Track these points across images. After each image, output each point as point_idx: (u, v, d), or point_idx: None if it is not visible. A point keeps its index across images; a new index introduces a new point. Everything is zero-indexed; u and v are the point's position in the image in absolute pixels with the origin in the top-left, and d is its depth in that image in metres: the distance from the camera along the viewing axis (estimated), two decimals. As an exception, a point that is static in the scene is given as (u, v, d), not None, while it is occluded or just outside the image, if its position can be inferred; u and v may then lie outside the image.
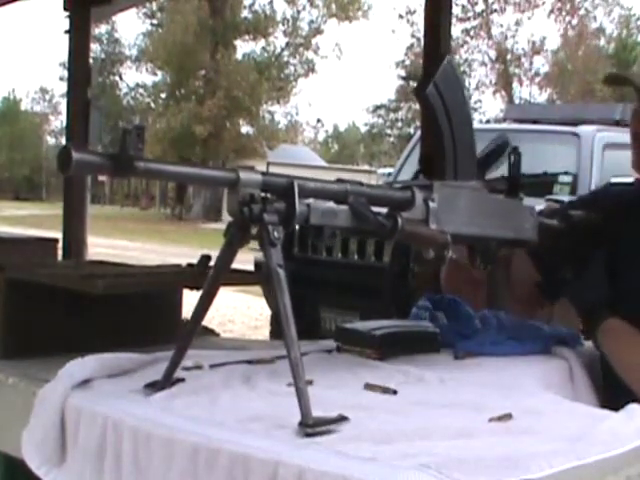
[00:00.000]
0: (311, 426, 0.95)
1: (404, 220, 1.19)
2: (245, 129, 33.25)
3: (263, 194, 1.04)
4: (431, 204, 1.26)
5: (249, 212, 1.02)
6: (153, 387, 1.14)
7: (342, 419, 0.97)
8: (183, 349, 1.16)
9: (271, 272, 1.01)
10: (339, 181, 1.16)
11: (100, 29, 36.80)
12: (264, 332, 6.77)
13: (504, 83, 33.27)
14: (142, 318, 1.62)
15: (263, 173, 1.05)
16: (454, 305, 1.64)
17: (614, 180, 3.58)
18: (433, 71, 1.41)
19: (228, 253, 1.10)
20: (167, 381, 1.15)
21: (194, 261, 1.60)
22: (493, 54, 33.23)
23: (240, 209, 1.02)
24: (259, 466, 0.89)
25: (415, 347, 1.48)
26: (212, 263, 1.44)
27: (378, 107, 44.81)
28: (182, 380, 1.17)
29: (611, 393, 1.50)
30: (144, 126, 0.98)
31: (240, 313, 8.73)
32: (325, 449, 0.90)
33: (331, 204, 1.14)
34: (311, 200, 1.11)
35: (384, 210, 1.21)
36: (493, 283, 1.51)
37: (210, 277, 1.13)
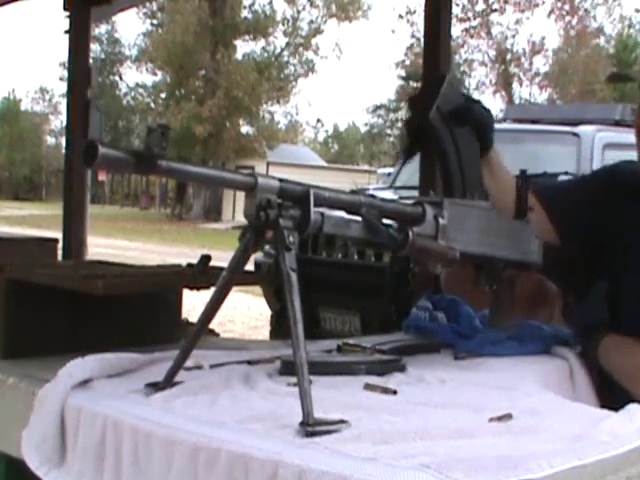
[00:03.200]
0: (312, 426, 0.95)
1: (415, 234, 1.21)
2: (245, 129, 33.25)
3: (279, 200, 1.06)
4: (441, 221, 1.27)
5: (265, 216, 1.04)
6: (153, 387, 1.14)
7: (342, 422, 0.97)
8: (188, 351, 1.16)
9: (284, 275, 1.03)
10: (353, 192, 1.18)
11: (100, 29, 36.89)
12: (264, 332, 6.77)
13: (504, 83, 33.22)
14: (142, 318, 1.62)
15: (280, 180, 1.07)
16: (454, 305, 1.64)
17: None
18: (434, 93, 1.41)
19: (242, 257, 1.11)
20: (168, 382, 1.15)
21: (194, 261, 1.60)
22: (493, 54, 33.20)
23: (257, 213, 1.04)
24: (259, 466, 0.89)
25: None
26: (212, 263, 1.44)
27: (378, 107, 44.90)
28: (182, 380, 1.17)
29: (609, 394, 1.50)
30: (168, 125, 0.98)
31: (240, 313, 8.72)
32: (325, 449, 0.90)
33: (344, 214, 1.15)
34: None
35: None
36: (497, 302, 1.52)
37: (222, 279, 1.14)
